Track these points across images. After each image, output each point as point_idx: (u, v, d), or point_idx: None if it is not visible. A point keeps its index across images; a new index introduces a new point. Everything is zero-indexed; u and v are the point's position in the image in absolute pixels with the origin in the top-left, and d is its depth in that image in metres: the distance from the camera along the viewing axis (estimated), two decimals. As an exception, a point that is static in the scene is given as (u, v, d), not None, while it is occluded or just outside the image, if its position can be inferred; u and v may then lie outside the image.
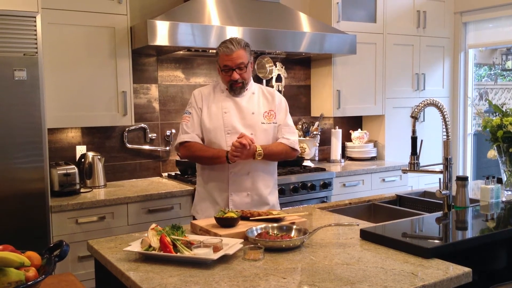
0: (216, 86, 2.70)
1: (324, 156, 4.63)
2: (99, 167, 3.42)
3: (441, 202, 2.40)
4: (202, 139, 2.62)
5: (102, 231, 3.03)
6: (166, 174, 3.83)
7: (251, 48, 3.54)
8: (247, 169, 2.58)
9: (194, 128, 2.60)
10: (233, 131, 2.55)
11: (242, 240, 1.90)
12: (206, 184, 2.67)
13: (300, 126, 4.42)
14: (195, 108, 2.63)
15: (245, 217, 2.22)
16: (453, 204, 2.40)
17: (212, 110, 2.60)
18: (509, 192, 2.82)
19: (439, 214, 2.37)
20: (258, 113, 2.61)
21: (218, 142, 2.56)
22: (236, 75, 2.52)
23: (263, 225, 2.08)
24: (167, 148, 3.84)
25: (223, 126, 2.57)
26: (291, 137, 2.66)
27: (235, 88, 2.58)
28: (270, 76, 4.20)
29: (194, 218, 2.71)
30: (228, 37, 3.11)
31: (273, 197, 2.72)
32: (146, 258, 1.81)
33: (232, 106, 2.60)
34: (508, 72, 6.39)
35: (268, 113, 2.64)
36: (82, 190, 3.28)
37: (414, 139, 2.40)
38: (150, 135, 3.78)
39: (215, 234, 2.01)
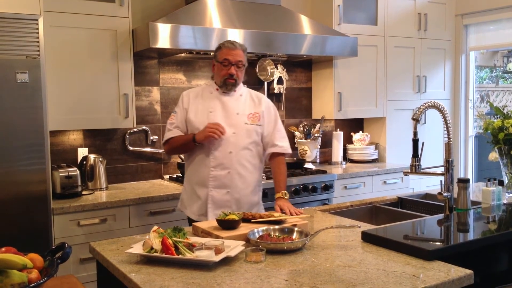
0: (206, 88, 2.80)
1: (326, 158, 4.63)
2: (101, 169, 3.43)
3: (443, 204, 2.40)
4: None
5: (104, 233, 3.04)
6: (167, 176, 3.84)
7: (253, 50, 3.58)
8: (226, 168, 2.64)
9: (178, 124, 2.73)
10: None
11: (244, 242, 1.91)
12: (190, 180, 2.76)
13: (302, 129, 4.42)
14: (181, 108, 2.75)
15: (246, 219, 2.22)
16: (454, 206, 2.41)
17: (199, 109, 2.70)
18: (511, 194, 2.83)
19: (440, 216, 2.37)
20: (242, 114, 2.69)
21: None
22: (233, 70, 2.63)
23: (264, 227, 2.09)
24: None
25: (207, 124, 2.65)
26: (284, 143, 2.77)
27: (228, 83, 2.66)
28: (272, 79, 4.20)
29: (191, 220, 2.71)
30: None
31: (255, 197, 2.76)
32: (148, 260, 1.81)
33: (218, 105, 2.69)
34: (509, 74, 6.39)
35: (252, 115, 2.71)
36: (84, 192, 3.28)
37: (415, 141, 2.41)
38: (151, 138, 3.79)
39: (217, 236, 2.02)
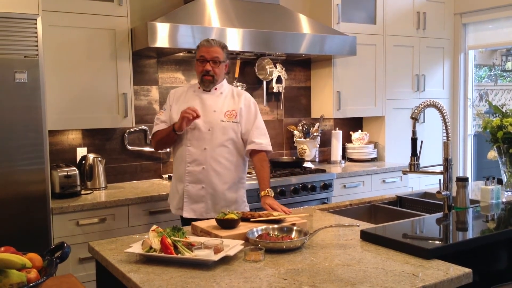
0: (191, 87, 2.90)
1: (325, 157, 4.64)
2: (100, 169, 3.43)
3: (442, 203, 2.41)
4: None
5: (103, 232, 3.04)
6: (166, 175, 3.83)
7: (252, 49, 3.58)
8: (201, 164, 2.72)
9: (164, 120, 2.83)
10: (193, 126, 2.71)
11: (243, 242, 1.91)
12: (173, 175, 2.88)
13: (301, 128, 4.42)
14: (168, 105, 2.87)
15: (245, 219, 2.22)
16: (453, 205, 2.41)
17: (180, 107, 2.75)
18: (509, 193, 2.83)
19: (439, 215, 2.37)
20: (219, 112, 2.75)
21: (181, 134, 2.75)
22: (208, 66, 2.69)
23: (263, 226, 2.09)
24: (168, 149, 3.84)
25: None
26: (263, 140, 2.77)
27: (205, 80, 2.73)
28: (271, 78, 4.20)
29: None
30: (228, 39, 3.23)
31: (234, 194, 2.79)
32: (147, 259, 1.81)
33: (197, 104, 2.76)
34: (508, 73, 6.39)
35: (230, 112, 2.76)
36: (83, 192, 3.28)
37: (414, 140, 2.41)
38: (150, 137, 3.78)
39: (216, 236, 2.02)
